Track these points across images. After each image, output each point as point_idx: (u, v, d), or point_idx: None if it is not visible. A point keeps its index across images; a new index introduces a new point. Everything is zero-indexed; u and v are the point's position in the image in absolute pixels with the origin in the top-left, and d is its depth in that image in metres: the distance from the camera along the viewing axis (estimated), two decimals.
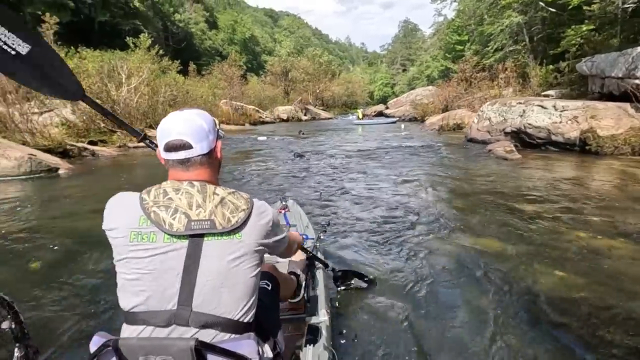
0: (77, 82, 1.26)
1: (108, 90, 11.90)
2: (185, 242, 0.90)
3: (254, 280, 0.96)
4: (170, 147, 0.95)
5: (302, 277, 1.75)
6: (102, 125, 11.56)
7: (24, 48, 1.09)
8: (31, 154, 7.03)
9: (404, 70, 71.73)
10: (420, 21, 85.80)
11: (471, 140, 11.35)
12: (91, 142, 10.60)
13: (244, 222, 0.95)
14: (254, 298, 0.97)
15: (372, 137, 14.52)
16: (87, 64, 12.88)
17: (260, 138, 14.21)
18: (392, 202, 4.81)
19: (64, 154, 8.65)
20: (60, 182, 6.66)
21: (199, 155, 0.97)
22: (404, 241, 3.42)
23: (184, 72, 23.90)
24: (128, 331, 0.89)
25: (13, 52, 1.08)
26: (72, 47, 17.75)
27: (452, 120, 15.90)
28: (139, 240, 0.89)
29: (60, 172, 7.19)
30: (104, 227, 0.94)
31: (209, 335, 0.88)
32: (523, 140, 9.58)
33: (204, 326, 0.88)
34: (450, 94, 20.75)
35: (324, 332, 1.64)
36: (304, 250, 1.85)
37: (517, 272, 2.76)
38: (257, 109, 25.39)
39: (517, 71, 18.00)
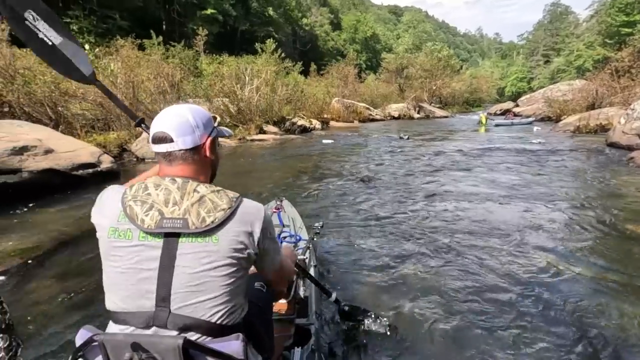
0: (92, 69, 1.47)
1: (235, 91, 13.94)
2: (160, 241, 0.86)
3: (237, 286, 0.91)
4: (155, 140, 0.94)
5: (293, 277, 1.66)
6: (228, 120, 13.66)
7: (57, 39, 1.33)
8: None
9: (546, 62, 61.78)
10: (573, 2, 71.71)
11: (612, 145, 9.24)
12: None
13: (222, 224, 0.88)
14: (239, 302, 0.93)
15: (487, 140, 13.16)
16: (222, 68, 15.31)
17: (325, 141, 12.24)
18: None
19: None
20: None
21: (180, 150, 0.93)
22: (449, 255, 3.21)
23: (305, 72, 25.80)
24: (112, 329, 0.89)
25: (50, 43, 1.32)
26: (218, 55, 21.06)
27: (595, 120, 13.08)
28: (116, 237, 0.86)
29: None
30: (92, 220, 0.93)
31: (191, 338, 0.84)
32: None
33: (184, 329, 0.85)
34: (599, 88, 16.98)
35: (312, 334, 1.62)
36: (303, 272, 1.74)
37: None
38: (367, 106, 25.63)
39: None
